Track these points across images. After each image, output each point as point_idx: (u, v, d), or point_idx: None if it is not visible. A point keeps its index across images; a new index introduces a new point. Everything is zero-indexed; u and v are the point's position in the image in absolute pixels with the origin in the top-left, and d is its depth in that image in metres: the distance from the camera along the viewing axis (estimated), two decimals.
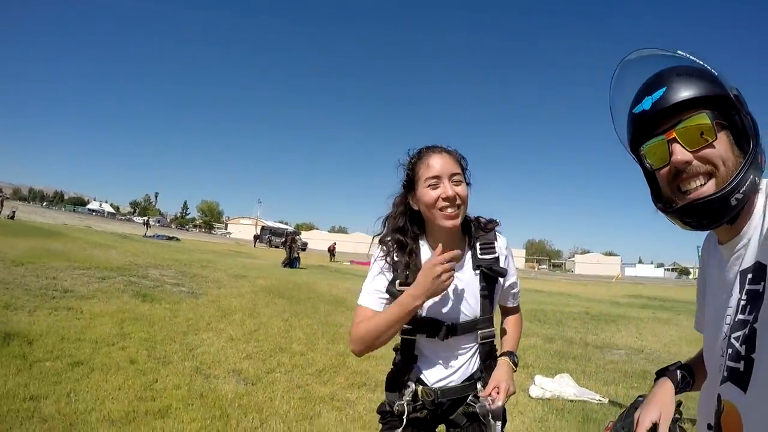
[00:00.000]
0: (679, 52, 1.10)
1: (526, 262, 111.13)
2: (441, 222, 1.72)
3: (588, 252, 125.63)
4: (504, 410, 1.74)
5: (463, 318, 1.80)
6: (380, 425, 1.91)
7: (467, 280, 1.81)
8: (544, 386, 5.42)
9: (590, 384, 5.88)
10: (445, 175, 1.71)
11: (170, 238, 39.41)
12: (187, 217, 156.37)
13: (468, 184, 1.81)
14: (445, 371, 1.83)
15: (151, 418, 3.79)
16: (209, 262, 17.52)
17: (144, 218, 76.67)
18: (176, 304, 8.47)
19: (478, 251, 1.83)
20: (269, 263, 24.82)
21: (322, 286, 14.61)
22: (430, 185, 1.72)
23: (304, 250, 25.54)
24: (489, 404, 1.68)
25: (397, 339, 1.87)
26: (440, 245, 1.65)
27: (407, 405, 1.79)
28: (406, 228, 1.85)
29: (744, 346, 0.95)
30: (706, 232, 1.23)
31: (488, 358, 1.88)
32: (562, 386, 5.42)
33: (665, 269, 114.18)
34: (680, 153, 1.04)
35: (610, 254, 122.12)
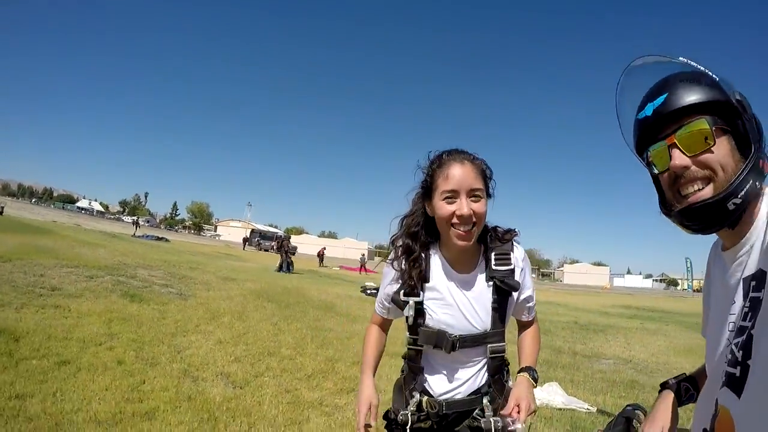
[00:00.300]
0: (681, 58, 1.12)
1: None
2: (452, 239, 1.67)
3: (577, 262, 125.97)
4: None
5: (472, 331, 1.74)
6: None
7: (479, 291, 1.75)
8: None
9: (579, 393, 5.90)
10: (464, 191, 1.63)
11: (159, 239, 39.15)
12: (177, 217, 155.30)
13: (490, 196, 1.74)
14: (451, 383, 1.79)
15: (139, 419, 3.75)
16: (198, 264, 17.44)
17: (133, 218, 76.20)
18: (165, 306, 8.41)
19: (493, 262, 1.75)
20: (259, 266, 24.76)
21: (312, 291, 14.58)
22: (446, 198, 1.64)
23: (293, 254, 25.48)
24: (510, 424, 1.61)
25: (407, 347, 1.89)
26: None
27: (411, 415, 1.77)
28: (419, 234, 1.81)
29: (741, 352, 0.97)
30: (713, 240, 1.25)
31: (497, 372, 1.80)
32: (551, 395, 5.44)
33: (654, 280, 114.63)
34: (678, 158, 1.07)
35: (599, 264, 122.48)
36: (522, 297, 1.83)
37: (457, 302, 1.74)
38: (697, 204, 1.05)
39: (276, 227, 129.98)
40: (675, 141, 1.08)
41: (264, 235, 73.51)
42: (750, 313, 0.98)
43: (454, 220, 1.63)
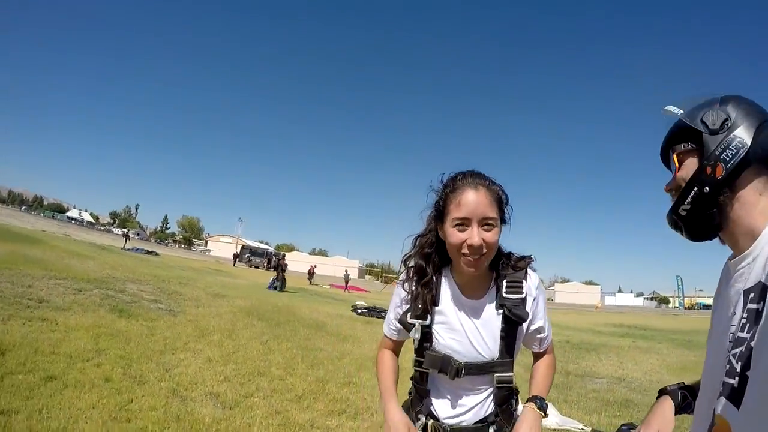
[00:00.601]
0: (668, 107, 1.33)
1: None
2: (461, 267, 1.64)
3: (568, 281, 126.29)
4: None
5: (478, 358, 1.69)
6: None
7: (487, 318, 1.70)
8: None
9: (572, 413, 5.87)
10: (476, 219, 1.58)
11: (149, 252, 38.92)
12: (167, 231, 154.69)
13: (504, 222, 1.69)
14: (455, 409, 1.74)
15: None
16: (188, 280, 17.34)
17: (123, 230, 75.82)
18: (153, 322, 8.30)
19: (504, 290, 1.69)
20: (249, 283, 24.68)
21: (303, 310, 14.50)
22: (456, 226, 1.60)
23: (284, 271, 25.46)
24: None
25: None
26: None
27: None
28: (431, 257, 1.76)
29: (740, 363, 1.00)
30: (706, 257, 1.35)
31: (505, 402, 1.73)
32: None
33: (645, 298, 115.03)
34: (671, 180, 1.31)
35: (590, 283, 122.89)
36: (532, 327, 1.77)
37: (464, 328, 1.70)
38: (667, 214, 1.28)
39: (267, 243, 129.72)
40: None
41: (254, 252, 73.42)
42: (748, 325, 1.01)
43: (464, 249, 1.59)
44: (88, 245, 28.07)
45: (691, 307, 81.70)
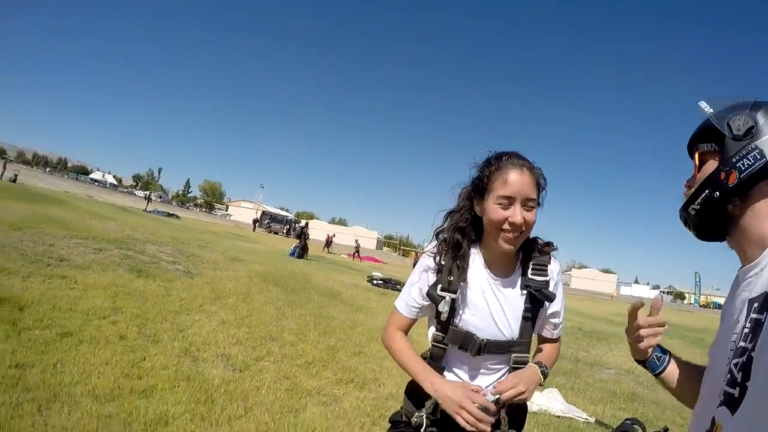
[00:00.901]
0: (702, 103, 1.31)
1: None
2: (500, 244, 1.66)
3: (585, 267, 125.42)
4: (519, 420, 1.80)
5: (499, 337, 1.71)
6: None
7: (512, 298, 1.74)
8: (532, 399, 5.37)
9: (578, 401, 5.86)
10: (519, 198, 1.62)
11: (170, 215, 39.28)
12: (189, 195, 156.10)
13: (539, 205, 1.72)
14: None
15: (136, 396, 3.76)
16: (207, 243, 17.44)
17: (146, 192, 76.54)
18: (170, 282, 8.41)
19: (530, 271, 1.74)
20: (267, 249, 24.77)
21: (318, 278, 14.54)
22: (500, 203, 1.63)
23: (307, 239, 25.49)
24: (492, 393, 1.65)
25: (426, 346, 1.85)
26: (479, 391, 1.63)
27: (426, 417, 1.71)
28: (467, 230, 1.78)
29: (740, 373, 0.99)
30: (726, 258, 1.35)
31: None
32: (550, 401, 5.40)
33: (661, 291, 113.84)
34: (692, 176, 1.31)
35: (607, 271, 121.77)
36: (551, 311, 1.83)
37: (489, 306, 1.71)
38: (680, 209, 1.30)
39: (287, 211, 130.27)
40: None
41: (274, 218, 73.55)
42: (750, 335, 1.01)
43: (505, 226, 1.63)
44: (110, 206, 28.43)
45: (706, 305, 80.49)
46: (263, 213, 79.36)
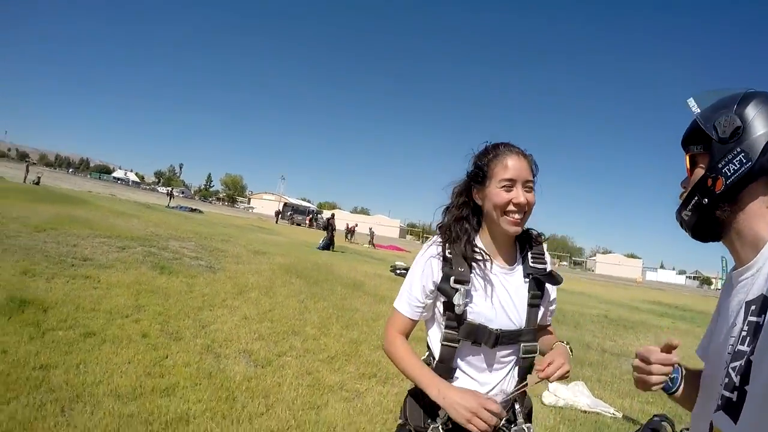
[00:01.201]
0: (690, 101, 1.28)
1: None
2: (505, 226, 1.69)
3: (610, 252, 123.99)
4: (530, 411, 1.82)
5: (509, 326, 1.69)
6: None
7: (516, 286, 1.75)
8: (558, 393, 5.29)
9: (605, 395, 5.74)
10: (520, 180, 1.68)
11: (193, 210, 39.59)
12: (211, 189, 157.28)
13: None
14: (482, 388, 1.67)
15: (157, 395, 3.78)
16: (230, 237, 17.50)
17: (168, 189, 77.20)
18: (193, 278, 8.44)
19: (530, 260, 1.78)
20: (290, 240, 24.82)
21: (341, 268, 14.47)
22: (504, 186, 1.67)
23: (334, 231, 25.38)
24: (537, 374, 1.64)
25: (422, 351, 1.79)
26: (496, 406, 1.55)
27: (442, 427, 1.63)
28: (469, 219, 1.78)
29: (739, 377, 0.99)
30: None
31: (524, 376, 1.76)
32: (577, 395, 5.29)
33: (687, 277, 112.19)
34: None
35: (632, 256, 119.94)
36: (552, 297, 1.87)
37: (498, 295, 1.70)
38: (675, 212, 1.29)
39: (309, 201, 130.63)
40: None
41: (296, 209, 73.72)
42: (748, 338, 1.00)
43: (510, 207, 1.67)
44: (133, 204, 28.72)
45: None
46: (285, 204, 79.53)
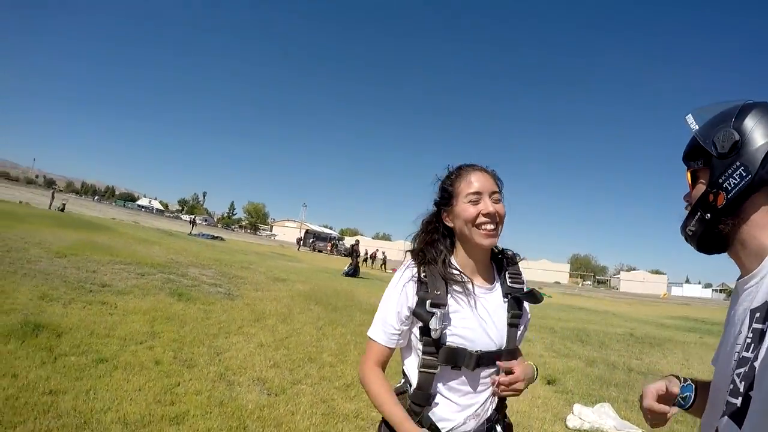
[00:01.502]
0: (688, 117, 1.27)
1: (570, 277, 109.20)
2: (479, 240, 1.66)
3: (634, 269, 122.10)
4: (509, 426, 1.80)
5: (489, 346, 1.64)
6: None
7: (496, 306, 1.71)
8: (582, 416, 5.08)
9: (632, 416, 5.51)
10: (486, 192, 1.68)
11: (215, 238, 39.88)
12: (234, 217, 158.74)
13: None
14: (462, 413, 1.62)
15: (166, 423, 3.68)
16: (251, 264, 17.57)
17: (191, 216, 77.97)
18: (210, 305, 8.41)
19: (508, 280, 1.76)
20: (310, 267, 24.83)
21: (361, 294, 14.38)
22: (470, 201, 1.67)
23: (359, 257, 25.32)
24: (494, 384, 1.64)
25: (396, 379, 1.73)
26: None
27: None
28: (442, 241, 1.76)
29: (743, 383, 0.99)
30: None
31: (505, 399, 1.75)
32: (602, 417, 5.07)
33: (713, 290, 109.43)
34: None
35: (657, 272, 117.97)
36: (528, 317, 1.83)
37: (477, 315, 1.66)
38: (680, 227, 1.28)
39: (330, 228, 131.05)
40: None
41: (318, 236, 73.99)
42: (753, 345, 1.00)
43: (480, 219, 1.65)
44: (156, 231, 29.08)
45: None
46: (307, 231, 79.86)
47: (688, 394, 1.36)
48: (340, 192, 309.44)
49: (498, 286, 1.76)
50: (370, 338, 1.73)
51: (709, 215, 1.17)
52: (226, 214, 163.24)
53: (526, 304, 1.77)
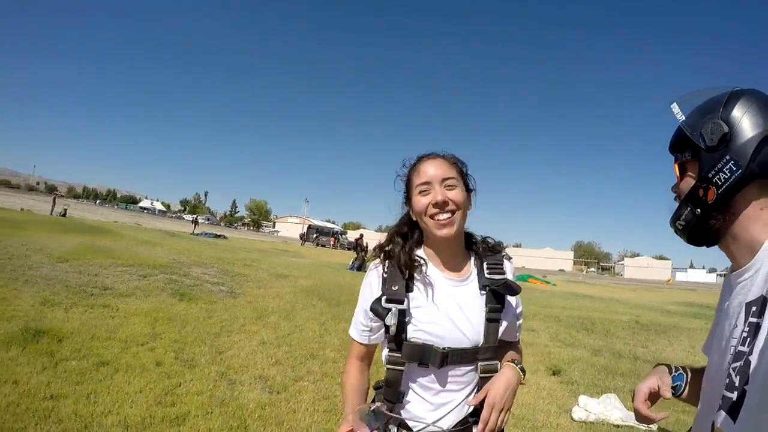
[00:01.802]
0: (673, 106, 1.24)
1: (574, 264, 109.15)
2: (434, 231, 1.58)
3: (638, 255, 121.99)
4: None
5: (462, 343, 1.54)
6: None
7: (471, 299, 1.60)
8: (588, 408, 5.03)
9: None
10: (436, 180, 1.60)
11: (218, 236, 39.88)
12: (236, 215, 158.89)
13: (470, 190, 1.69)
14: (435, 412, 1.55)
15: (167, 425, 3.67)
16: (253, 261, 17.56)
17: (193, 216, 78.04)
18: (212, 304, 8.41)
19: (485, 271, 1.63)
20: (314, 262, 24.77)
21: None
22: (421, 192, 1.61)
23: (350, 248, 25.25)
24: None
25: (378, 373, 1.68)
26: None
27: None
28: (406, 235, 1.70)
29: (738, 377, 1.00)
30: None
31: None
32: (608, 408, 5.02)
33: (718, 274, 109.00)
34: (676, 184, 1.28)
35: (661, 258, 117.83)
36: (518, 311, 1.72)
37: (446, 310, 1.56)
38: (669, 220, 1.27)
39: (333, 222, 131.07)
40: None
41: (321, 231, 74.09)
42: (749, 339, 1.01)
43: (431, 209, 1.58)
44: (158, 232, 29.05)
45: None
46: (309, 227, 79.99)
47: (678, 383, 1.37)
48: (341, 186, 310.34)
49: (474, 277, 1.65)
50: (350, 336, 1.73)
51: (699, 210, 1.16)
52: (228, 213, 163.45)
53: (513, 297, 1.66)
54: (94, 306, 6.85)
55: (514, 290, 1.61)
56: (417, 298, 1.58)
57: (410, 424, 1.55)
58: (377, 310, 1.54)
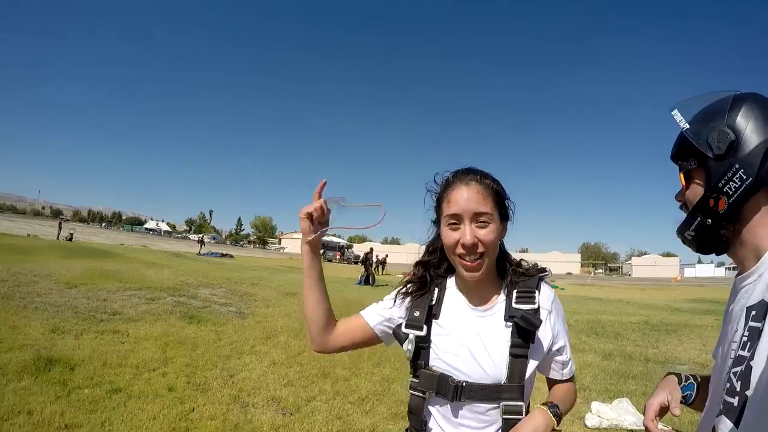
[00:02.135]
0: (675, 112, 1.21)
1: (581, 266, 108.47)
2: (460, 272, 1.44)
3: (645, 253, 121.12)
4: None
5: (481, 378, 1.40)
6: None
7: (495, 332, 1.43)
8: (601, 414, 5.02)
9: None
10: (467, 215, 1.40)
11: (224, 255, 39.96)
12: (242, 233, 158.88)
13: (507, 218, 1.52)
14: None
15: None
16: (260, 280, 17.57)
17: (199, 236, 78.14)
18: (222, 326, 8.42)
19: (514, 300, 1.44)
20: None
21: (371, 302, 14.20)
22: (450, 225, 1.43)
23: (357, 262, 25.11)
24: None
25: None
26: None
27: None
28: (431, 263, 1.58)
29: (739, 382, 0.98)
30: None
31: None
32: (621, 414, 5.00)
33: (726, 268, 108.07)
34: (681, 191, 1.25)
35: (669, 255, 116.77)
36: (555, 347, 1.49)
37: (468, 342, 1.44)
38: (676, 229, 1.25)
39: (339, 236, 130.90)
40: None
41: (327, 245, 73.89)
42: (749, 343, 1.00)
43: (459, 249, 1.41)
44: (164, 254, 29.09)
45: None
46: None
47: (688, 392, 1.37)
48: (347, 198, 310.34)
49: (500, 307, 1.47)
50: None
51: (710, 221, 1.14)
52: (234, 231, 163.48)
53: (549, 329, 1.47)
54: (104, 332, 6.88)
55: (533, 324, 1.39)
56: (440, 326, 1.50)
57: None
58: (398, 334, 1.51)
